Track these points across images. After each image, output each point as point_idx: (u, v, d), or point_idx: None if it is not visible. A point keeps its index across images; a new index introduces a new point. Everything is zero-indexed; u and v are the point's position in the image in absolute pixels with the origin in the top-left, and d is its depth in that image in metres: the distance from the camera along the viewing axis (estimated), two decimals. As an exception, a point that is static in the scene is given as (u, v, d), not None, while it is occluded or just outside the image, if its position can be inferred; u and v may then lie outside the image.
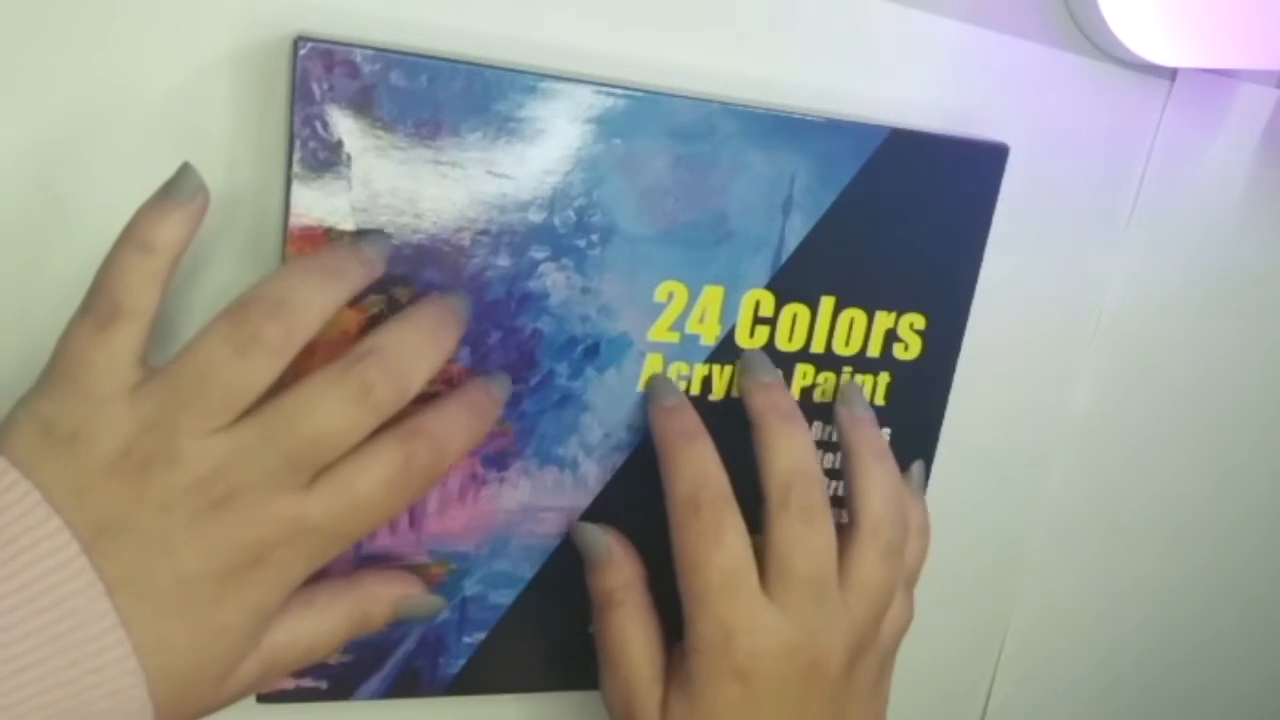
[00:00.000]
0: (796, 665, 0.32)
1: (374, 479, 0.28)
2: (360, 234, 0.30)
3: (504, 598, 0.35)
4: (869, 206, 0.35)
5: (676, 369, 0.35)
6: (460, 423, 0.30)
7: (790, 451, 0.33)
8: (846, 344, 0.36)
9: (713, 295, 0.34)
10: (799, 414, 0.34)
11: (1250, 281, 0.45)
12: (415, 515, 0.33)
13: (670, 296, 0.34)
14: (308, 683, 0.34)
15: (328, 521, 0.28)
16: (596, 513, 0.35)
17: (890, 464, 0.34)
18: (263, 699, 0.34)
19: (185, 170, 0.28)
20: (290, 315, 0.27)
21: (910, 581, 0.37)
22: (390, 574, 0.32)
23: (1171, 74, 0.40)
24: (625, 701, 0.33)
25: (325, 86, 0.29)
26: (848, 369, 0.37)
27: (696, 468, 0.32)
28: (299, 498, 0.27)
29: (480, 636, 0.35)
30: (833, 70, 0.36)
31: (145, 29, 0.29)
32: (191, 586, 0.26)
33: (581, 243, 0.33)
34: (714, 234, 0.34)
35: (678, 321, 0.34)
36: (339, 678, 0.34)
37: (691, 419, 0.33)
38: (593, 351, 0.34)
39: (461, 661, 0.36)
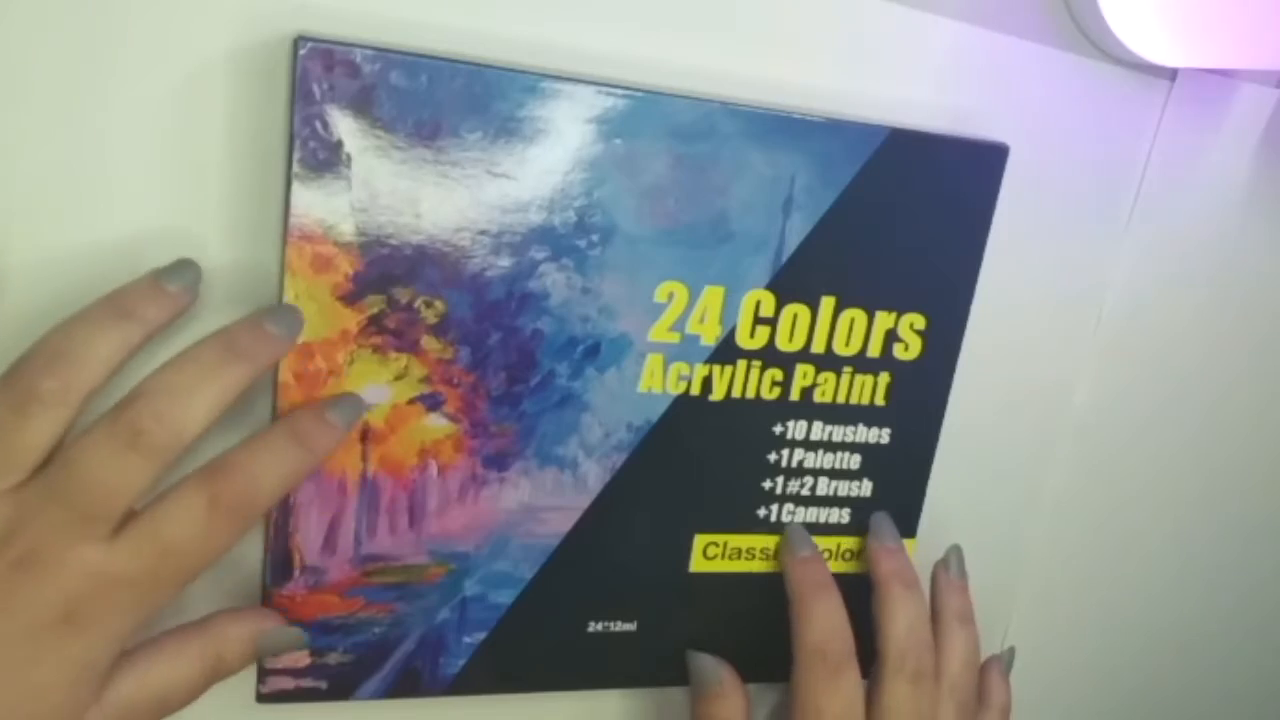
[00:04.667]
0: None
1: (178, 524, 0.28)
2: (162, 269, 0.29)
3: (504, 598, 0.35)
4: (869, 206, 0.35)
5: (677, 369, 0.35)
6: (277, 455, 0.29)
7: (907, 615, 0.37)
8: (847, 344, 0.36)
9: (713, 295, 0.34)
10: (918, 581, 0.38)
11: (1250, 281, 0.45)
12: (415, 515, 0.33)
13: (670, 296, 0.34)
14: (307, 683, 0.34)
15: (138, 571, 0.27)
16: (596, 512, 0.35)
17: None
18: (262, 699, 0.34)
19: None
20: (68, 367, 0.27)
21: None
22: (243, 612, 0.32)
23: (1171, 74, 0.40)
24: None
25: (325, 86, 0.29)
26: (848, 369, 0.37)
27: (828, 621, 0.36)
28: (101, 549, 0.27)
29: (480, 636, 0.35)
30: (833, 70, 0.36)
31: (145, 29, 0.29)
32: (3, 648, 0.26)
33: (582, 243, 0.33)
34: (714, 234, 0.34)
35: (678, 322, 0.34)
36: (339, 678, 0.34)
37: (824, 571, 0.37)
38: (593, 351, 0.34)
39: (461, 661, 0.36)
